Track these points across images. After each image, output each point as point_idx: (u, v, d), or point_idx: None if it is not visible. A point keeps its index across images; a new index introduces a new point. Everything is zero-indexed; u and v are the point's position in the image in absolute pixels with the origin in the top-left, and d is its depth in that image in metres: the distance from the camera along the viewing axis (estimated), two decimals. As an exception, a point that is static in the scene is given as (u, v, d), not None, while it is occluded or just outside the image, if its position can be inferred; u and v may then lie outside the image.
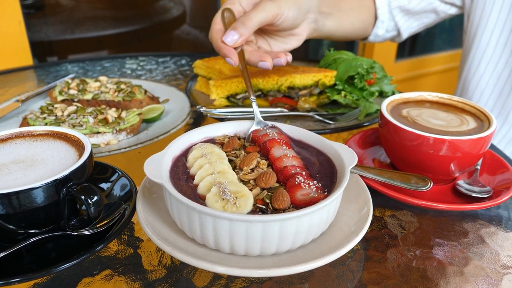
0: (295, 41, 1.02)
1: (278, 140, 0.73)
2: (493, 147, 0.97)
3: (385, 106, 0.84)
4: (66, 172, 0.59)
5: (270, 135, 0.75)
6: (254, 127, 0.80)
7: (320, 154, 0.73)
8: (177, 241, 0.61)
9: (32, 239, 0.61)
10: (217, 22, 0.89)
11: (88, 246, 0.61)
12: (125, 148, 0.89)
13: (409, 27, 1.39)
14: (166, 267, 0.63)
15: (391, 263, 0.65)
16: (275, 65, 0.90)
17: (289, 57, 0.91)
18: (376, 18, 1.35)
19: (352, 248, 0.62)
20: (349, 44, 3.05)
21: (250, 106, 1.08)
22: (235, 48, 0.86)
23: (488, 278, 0.63)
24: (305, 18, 1.00)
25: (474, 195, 0.76)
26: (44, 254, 0.62)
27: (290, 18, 0.93)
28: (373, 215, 0.75)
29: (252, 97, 0.85)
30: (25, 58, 1.79)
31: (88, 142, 0.67)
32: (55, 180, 0.58)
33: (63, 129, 0.70)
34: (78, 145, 0.68)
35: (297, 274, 0.61)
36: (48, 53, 2.38)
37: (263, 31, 1.01)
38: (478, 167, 0.85)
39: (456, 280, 0.62)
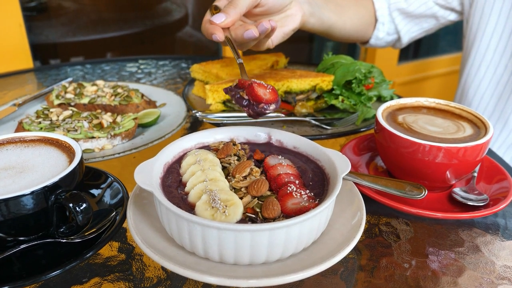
0: (291, 22, 1.01)
1: (265, 86, 0.74)
2: (492, 153, 0.96)
3: (380, 112, 0.83)
4: (55, 179, 0.59)
5: (257, 81, 0.75)
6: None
7: (314, 161, 0.72)
8: (167, 249, 0.60)
9: (21, 246, 0.60)
10: (207, 15, 0.92)
11: (77, 253, 0.61)
12: (119, 153, 0.89)
13: (409, 31, 1.38)
14: (156, 275, 0.62)
15: (384, 273, 0.64)
16: (260, 32, 0.86)
17: (273, 22, 0.87)
18: (376, 20, 1.35)
19: (345, 257, 0.61)
20: (351, 46, 3.03)
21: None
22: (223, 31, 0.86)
23: (482, 289, 0.62)
24: None
25: (470, 203, 0.75)
26: (33, 261, 0.62)
27: None
28: (368, 223, 0.74)
29: (239, 59, 0.84)
30: (26, 61, 1.80)
31: (79, 148, 0.67)
32: (44, 187, 0.58)
33: (55, 135, 0.70)
34: (69, 151, 0.67)
35: (287, 284, 0.61)
36: (51, 56, 2.38)
37: (256, 19, 1.00)
38: (475, 174, 0.84)
39: (450, 291, 0.61)
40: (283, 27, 1.00)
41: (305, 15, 1.04)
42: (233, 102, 0.73)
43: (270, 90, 0.74)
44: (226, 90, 0.77)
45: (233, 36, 0.87)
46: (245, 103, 0.74)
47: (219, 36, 0.84)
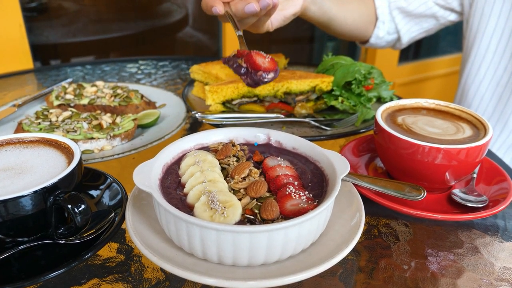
0: (292, 6, 1.01)
1: (264, 55, 0.76)
2: (492, 154, 0.96)
3: (380, 113, 0.83)
4: (54, 180, 0.59)
5: (256, 51, 0.78)
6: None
7: (313, 162, 0.72)
8: (165, 250, 0.60)
9: (20, 247, 0.60)
10: None
11: (76, 254, 0.61)
12: (118, 154, 0.89)
13: (409, 31, 1.38)
14: (155, 276, 0.62)
15: (383, 274, 0.64)
16: (261, 6, 0.84)
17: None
18: (376, 18, 1.35)
19: (344, 259, 0.61)
20: (351, 46, 3.03)
21: (246, 112, 1.07)
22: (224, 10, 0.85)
23: (481, 291, 0.61)
24: None
25: (469, 204, 0.75)
26: (32, 262, 0.62)
27: None
28: (367, 224, 0.74)
29: (238, 31, 0.84)
30: (26, 61, 1.80)
31: (77, 149, 0.67)
32: (42, 189, 0.58)
33: (54, 136, 0.70)
34: (68, 152, 0.67)
35: (286, 286, 0.61)
36: (51, 57, 2.39)
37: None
38: (475, 175, 0.84)
39: (449, 292, 0.61)
40: (284, 11, 0.99)
41: (306, 1, 1.04)
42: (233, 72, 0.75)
43: (269, 60, 0.75)
44: (225, 60, 0.77)
45: (233, 10, 0.86)
46: (243, 71, 0.73)
47: (219, 9, 0.83)
